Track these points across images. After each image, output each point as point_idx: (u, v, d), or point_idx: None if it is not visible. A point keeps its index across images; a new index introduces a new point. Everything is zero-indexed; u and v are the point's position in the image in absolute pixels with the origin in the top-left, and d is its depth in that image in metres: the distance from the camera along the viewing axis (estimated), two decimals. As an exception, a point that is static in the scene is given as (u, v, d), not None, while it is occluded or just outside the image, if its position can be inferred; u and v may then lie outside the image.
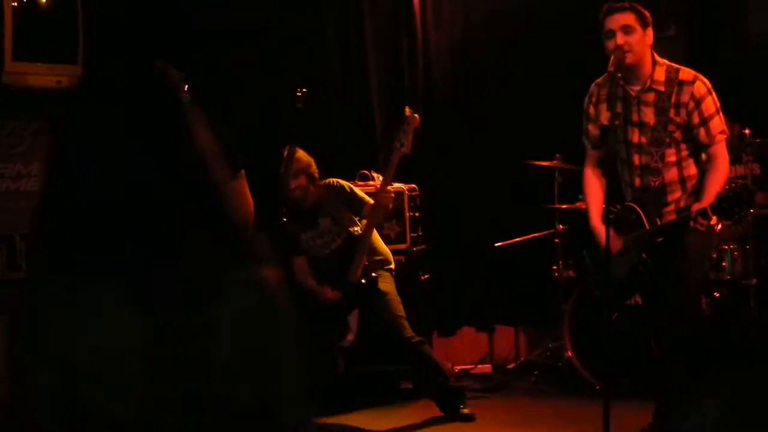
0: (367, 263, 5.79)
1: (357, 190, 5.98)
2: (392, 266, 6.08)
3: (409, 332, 5.80)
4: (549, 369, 6.88)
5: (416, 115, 5.66)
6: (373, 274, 5.81)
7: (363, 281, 5.77)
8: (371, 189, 6.13)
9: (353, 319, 5.89)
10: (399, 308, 5.85)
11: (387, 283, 5.92)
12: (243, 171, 4.64)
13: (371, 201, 5.80)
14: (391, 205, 5.80)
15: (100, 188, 1.62)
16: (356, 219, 5.92)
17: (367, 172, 6.65)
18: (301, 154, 5.85)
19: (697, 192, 4.58)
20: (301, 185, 5.88)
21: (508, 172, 7.30)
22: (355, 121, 7.44)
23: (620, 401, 4.47)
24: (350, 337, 5.85)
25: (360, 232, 5.82)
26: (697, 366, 4.61)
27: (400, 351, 5.87)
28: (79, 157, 1.66)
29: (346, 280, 5.78)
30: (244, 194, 4.63)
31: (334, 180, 6.03)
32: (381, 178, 6.63)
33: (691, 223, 4.30)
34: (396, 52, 7.73)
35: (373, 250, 6.02)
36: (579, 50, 6.71)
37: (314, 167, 5.98)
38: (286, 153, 5.62)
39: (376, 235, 6.09)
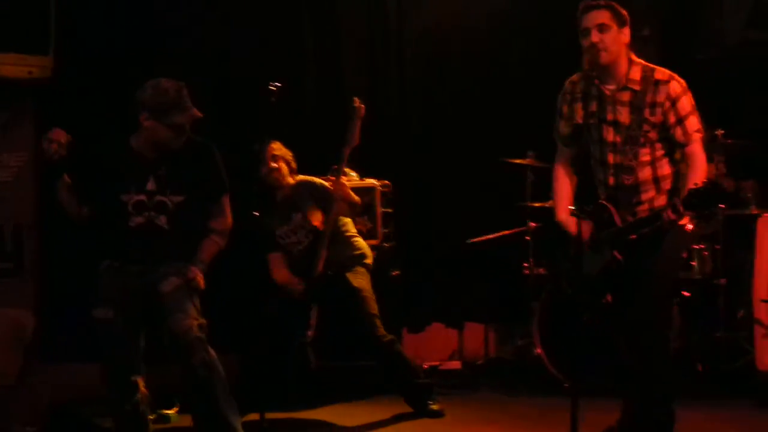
0: (328, 257, 5.77)
1: (328, 186, 5.96)
2: (369, 261, 6.07)
3: (381, 331, 5.80)
4: (518, 366, 6.91)
5: (362, 105, 5.67)
6: (329, 272, 5.79)
7: (324, 275, 5.76)
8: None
9: (312, 315, 5.88)
10: (372, 306, 5.84)
11: (361, 280, 5.92)
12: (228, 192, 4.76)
13: None
14: (347, 196, 5.77)
15: None
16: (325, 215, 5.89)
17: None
18: (280, 145, 5.88)
19: (672, 192, 4.59)
20: (278, 168, 5.87)
21: (480, 169, 7.32)
22: (328, 119, 7.42)
23: (588, 399, 4.47)
24: (310, 332, 5.84)
25: (322, 226, 5.80)
26: (663, 364, 4.63)
27: (372, 348, 5.86)
28: None
29: (309, 274, 5.78)
30: (227, 210, 4.79)
31: (307, 177, 6.02)
32: (354, 173, 6.64)
33: (663, 214, 4.31)
34: (371, 50, 7.71)
35: (350, 246, 6.02)
36: (553, 48, 6.73)
37: (291, 159, 5.99)
38: (259, 144, 5.61)
39: (353, 231, 6.11)
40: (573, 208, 4.62)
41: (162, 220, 4.64)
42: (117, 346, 4.63)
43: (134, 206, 4.62)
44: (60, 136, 4.50)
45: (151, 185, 4.64)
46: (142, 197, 4.63)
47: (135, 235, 4.64)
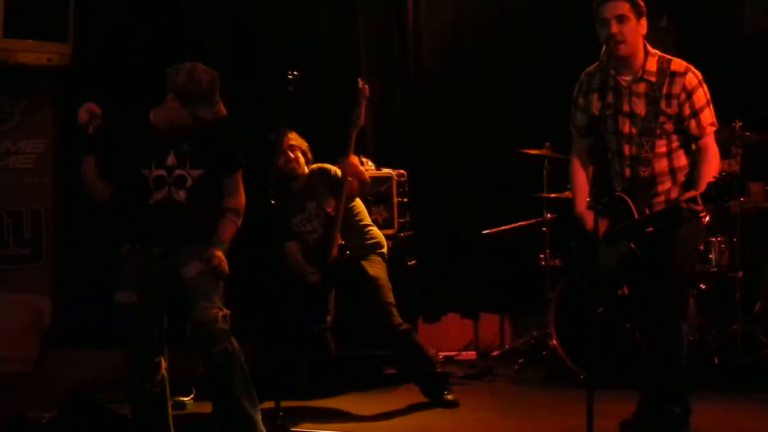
0: (342, 242, 5.78)
1: (340, 172, 5.96)
2: (384, 250, 6.08)
3: (397, 319, 5.81)
4: (534, 357, 6.89)
5: (366, 86, 5.66)
6: (347, 252, 5.80)
7: (339, 259, 5.77)
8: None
9: (330, 300, 5.89)
10: (388, 294, 5.85)
11: (377, 268, 5.93)
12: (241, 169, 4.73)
13: None
14: (358, 173, 5.77)
15: None
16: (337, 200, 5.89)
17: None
18: (296, 135, 5.91)
19: (688, 183, 4.58)
20: (296, 158, 5.90)
21: (497, 160, 7.31)
22: (344, 109, 7.40)
23: (604, 391, 4.47)
24: (329, 318, 5.85)
25: (334, 210, 5.82)
26: (679, 357, 4.62)
27: (388, 337, 5.87)
28: None
29: (324, 260, 5.79)
30: (241, 188, 4.77)
31: (319, 164, 6.04)
32: (371, 163, 6.64)
33: (683, 205, 4.29)
34: (387, 39, 7.69)
35: (365, 235, 6.04)
36: (571, 38, 6.71)
37: (307, 149, 6.01)
38: (275, 134, 5.61)
39: (368, 220, 6.12)
40: (590, 200, 4.62)
41: (181, 195, 4.59)
42: (140, 329, 4.61)
43: (154, 181, 4.58)
44: (93, 107, 4.50)
45: (171, 160, 4.58)
46: (162, 172, 4.58)
47: (155, 213, 4.59)
